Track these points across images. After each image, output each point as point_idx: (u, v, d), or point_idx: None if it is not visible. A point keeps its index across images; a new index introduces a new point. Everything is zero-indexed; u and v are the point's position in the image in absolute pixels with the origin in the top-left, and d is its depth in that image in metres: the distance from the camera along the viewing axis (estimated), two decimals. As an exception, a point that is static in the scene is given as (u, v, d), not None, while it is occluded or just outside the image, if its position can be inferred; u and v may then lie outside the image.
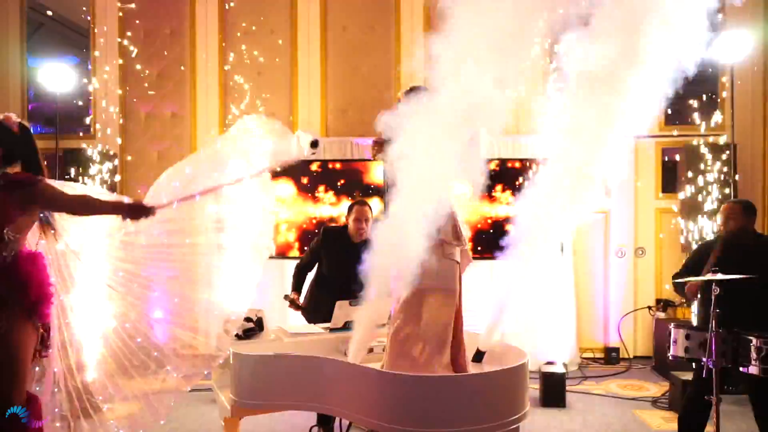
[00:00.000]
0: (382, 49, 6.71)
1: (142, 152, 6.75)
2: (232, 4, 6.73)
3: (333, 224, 5.53)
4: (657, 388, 5.56)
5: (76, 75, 6.03)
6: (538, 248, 2.91)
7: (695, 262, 3.83)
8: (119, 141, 6.68)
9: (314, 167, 6.04)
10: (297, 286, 4.31)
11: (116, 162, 6.53)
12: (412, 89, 3.03)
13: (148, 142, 6.75)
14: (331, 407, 3.03)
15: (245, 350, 3.17)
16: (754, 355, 3.16)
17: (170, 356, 3.50)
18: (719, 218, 3.92)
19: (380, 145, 2.99)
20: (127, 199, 2.98)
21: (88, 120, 6.77)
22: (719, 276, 3.20)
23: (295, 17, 6.74)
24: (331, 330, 3.45)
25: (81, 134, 6.75)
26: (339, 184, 6.00)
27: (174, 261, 3.36)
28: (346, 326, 3.42)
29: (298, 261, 4.47)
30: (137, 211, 2.89)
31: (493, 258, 5.79)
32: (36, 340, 2.82)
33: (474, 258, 3.34)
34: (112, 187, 6.31)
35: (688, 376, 4.76)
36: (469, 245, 3.24)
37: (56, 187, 2.90)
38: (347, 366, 2.91)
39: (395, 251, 2.74)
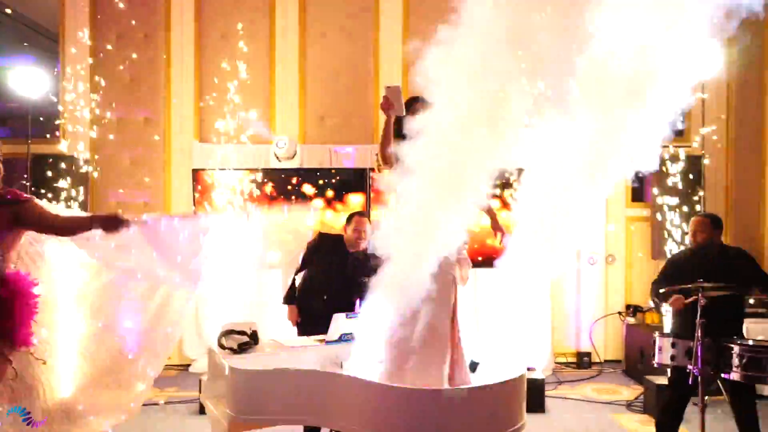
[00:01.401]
0: (360, 57, 6.72)
1: (114, 157, 6.59)
2: (208, 10, 6.64)
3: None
4: (630, 391, 5.73)
5: (48, 78, 5.84)
6: (541, 261, 2.97)
7: (672, 273, 3.95)
8: (86, 146, 6.50)
9: (294, 175, 5.99)
10: (293, 298, 4.34)
11: (87, 167, 6.34)
12: (414, 99, 3.06)
13: (120, 147, 6.59)
14: (330, 420, 3.03)
15: (242, 364, 3.14)
16: (735, 362, 3.30)
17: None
18: (689, 230, 4.06)
19: (384, 158, 3.01)
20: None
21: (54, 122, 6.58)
22: (706, 284, 3.34)
23: (273, 23, 6.70)
24: (327, 342, 3.45)
25: (48, 138, 6.55)
26: (319, 191, 5.96)
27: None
28: (342, 338, 3.42)
29: (294, 272, 4.47)
30: (113, 222, 2.89)
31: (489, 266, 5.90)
32: (5, 366, 2.73)
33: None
34: (85, 193, 6.15)
35: (662, 380, 4.95)
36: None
37: (44, 208, 2.92)
38: (347, 379, 2.91)
39: (397, 262, 2.77)
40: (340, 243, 4.24)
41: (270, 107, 6.68)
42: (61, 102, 6.53)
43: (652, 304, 5.86)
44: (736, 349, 3.31)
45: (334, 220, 5.88)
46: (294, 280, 4.38)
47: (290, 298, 4.35)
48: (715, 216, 4.08)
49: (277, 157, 6.21)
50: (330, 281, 4.13)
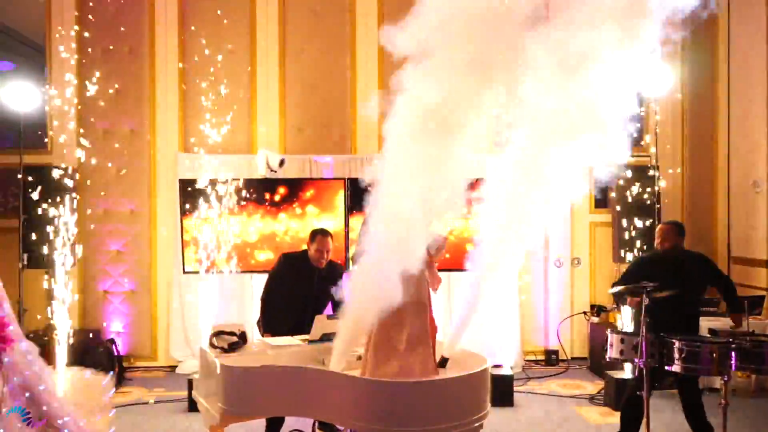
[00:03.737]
0: (338, 71, 7.03)
1: (101, 169, 6.80)
2: (192, 26, 6.91)
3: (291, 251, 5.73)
4: (593, 386, 6.11)
5: (38, 91, 6.04)
6: (501, 262, 3.31)
7: (634, 275, 4.31)
8: (74, 156, 6.71)
9: (277, 184, 6.28)
10: (271, 325, 4.30)
11: (75, 177, 6.54)
12: None
13: (106, 158, 6.81)
14: (312, 411, 3.36)
15: (232, 362, 3.44)
16: (676, 355, 3.69)
17: None
18: (656, 237, 4.45)
19: None
20: None
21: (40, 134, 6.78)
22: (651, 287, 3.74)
23: (254, 37, 6.98)
24: (310, 342, 3.76)
25: (37, 150, 6.74)
26: (297, 199, 6.24)
27: None
28: (323, 338, 3.73)
29: (261, 295, 4.52)
30: None
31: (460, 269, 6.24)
32: None
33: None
34: (72, 202, 6.35)
35: (621, 374, 5.38)
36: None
37: None
38: (331, 374, 3.24)
39: (377, 270, 3.09)
40: (305, 259, 4.40)
41: (252, 118, 6.97)
42: (49, 113, 6.74)
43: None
44: (677, 344, 3.70)
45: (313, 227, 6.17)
46: (265, 307, 4.40)
47: (270, 328, 4.32)
48: (680, 223, 4.50)
49: (271, 169, 6.43)
50: (304, 295, 4.32)
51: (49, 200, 6.03)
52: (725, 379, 3.66)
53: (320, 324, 3.74)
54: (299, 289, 4.35)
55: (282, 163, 6.36)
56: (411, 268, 3.16)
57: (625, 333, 3.90)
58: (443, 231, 3.38)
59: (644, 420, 3.80)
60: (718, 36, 7.07)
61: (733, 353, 3.59)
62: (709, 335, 4.24)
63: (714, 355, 3.58)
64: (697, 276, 4.28)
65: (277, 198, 6.19)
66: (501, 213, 3.44)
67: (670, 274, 4.05)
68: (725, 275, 4.50)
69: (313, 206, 6.23)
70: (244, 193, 6.17)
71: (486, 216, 3.53)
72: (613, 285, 4.38)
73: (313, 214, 6.22)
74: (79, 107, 6.77)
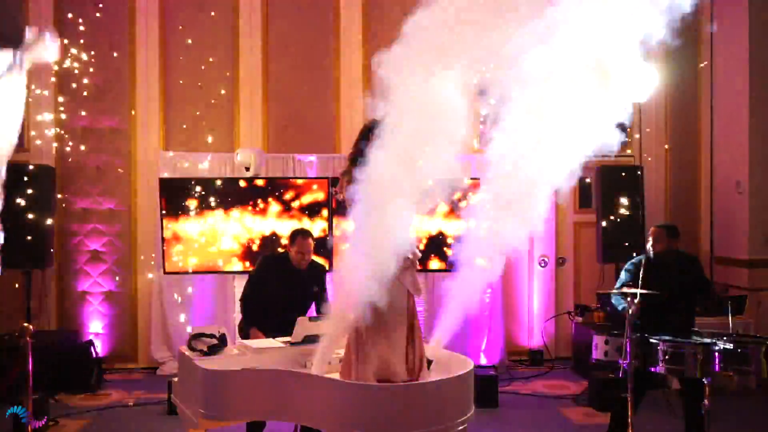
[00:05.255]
0: (322, 69, 6.97)
1: (80, 166, 6.69)
2: (173, 20, 6.80)
3: (271, 252, 5.69)
4: (577, 386, 6.10)
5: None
6: (487, 263, 3.27)
7: (626, 280, 4.29)
8: (52, 153, 6.59)
9: (256, 182, 6.20)
10: (253, 320, 4.27)
11: (53, 175, 6.41)
12: (369, 128, 3.29)
13: (85, 155, 6.70)
14: (293, 415, 3.28)
15: (211, 365, 3.37)
16: (660, 357, 3.68)
17: None
18: (648, 239, 4.44)
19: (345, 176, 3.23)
20: None
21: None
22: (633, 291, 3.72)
23: (236, 33, 6.89)
24: (292, 344, 3.69)
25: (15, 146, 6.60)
26: (280, 199, 6.17)
27: None
28: (305, 340, 3.67)
29: (241, 295, 4.46)
30: None
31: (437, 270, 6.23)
32: None
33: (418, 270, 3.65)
34: (51, 200, 6.22)
35: (605, 375, 5.37)
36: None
37: None
38: (313, 377, 3.17)
39: (358, 274, 3.03)
40: (286, 261, 4.33)
41: (235, 116, 6.88)
42: (26, 109, 6.58)
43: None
44: (661, 345, 3.69)
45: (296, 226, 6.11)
46: (245, 310, 4.35)
47: (253, 323, 4.25)
48: (672, 226, 4.51)
49: (245, 167, 6.36)
50: (286, 297, 4.25)
51: (27, 199, 5.91)
52: (708, 380, 3.65)
53: (302, 326, 3.67)
54: (282, 292, 4.28)
55: (253, 163, 6.26)
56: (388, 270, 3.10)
57: (610, 334, 3.88)
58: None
59: (629, 420, 3.79)
60: (701, 37, 7.11)
61: (716, 354, 3.59)
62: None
63: (698, 356, 3.57)
64: (686, 277, 4.28)
65: (259, 197, 6.11)
66: (485, 211, 3.42)
67: (659, 276, 4.05)
68: (708, 280, 4.53)
69: (296, 205, 6.16)
70: (225, 192, 6.09)
71: (470, 215, 3.50)
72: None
73: (296, 213, 6.16)
74: (58, 104, 6.64)
